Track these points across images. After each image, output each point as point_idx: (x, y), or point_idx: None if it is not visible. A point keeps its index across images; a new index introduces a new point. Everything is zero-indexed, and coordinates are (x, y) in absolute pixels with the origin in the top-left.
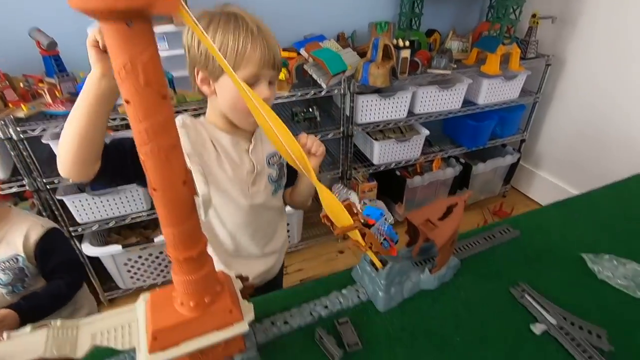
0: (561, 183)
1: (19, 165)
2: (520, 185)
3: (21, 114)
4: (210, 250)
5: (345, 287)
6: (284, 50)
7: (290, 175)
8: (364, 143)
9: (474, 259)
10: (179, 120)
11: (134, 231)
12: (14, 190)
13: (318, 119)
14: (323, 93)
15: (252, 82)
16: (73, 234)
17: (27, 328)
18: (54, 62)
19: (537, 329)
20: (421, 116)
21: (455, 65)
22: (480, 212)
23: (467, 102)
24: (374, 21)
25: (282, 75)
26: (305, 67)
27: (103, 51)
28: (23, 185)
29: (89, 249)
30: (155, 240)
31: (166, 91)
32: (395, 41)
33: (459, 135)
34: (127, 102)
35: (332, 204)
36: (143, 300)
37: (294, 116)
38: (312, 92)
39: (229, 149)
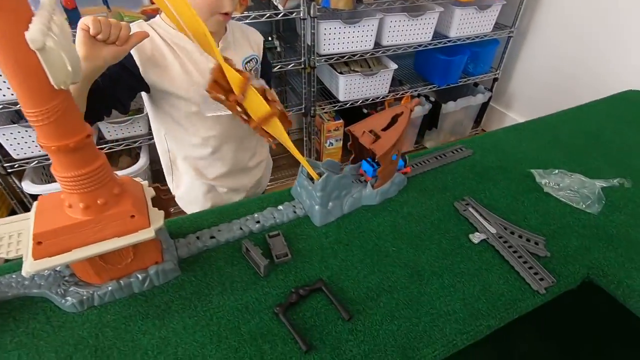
0: None
1: None
2: (491, 127)
3: None
4: (195, 174)
5: (283, 203)
6: None
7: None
8: (329, 78)
9: (422, 176)
10: (133, 27)
11: None
12: None
13: (278, 49)
14: (280, 16)
15: None
16: (9, 170)
17: None
18: None
19: (475, 237)
20: (389, 48)
21: None
22: None
23: (438, 35)
24: None
25: None
26: None
27: (92, 37)
28: None
29: (30, 187)
30: None
31: None
32: None
33: (430, 72)
34: None
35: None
36: (35, 205)
37: None
38: (268, 14)
39: (195, 53)
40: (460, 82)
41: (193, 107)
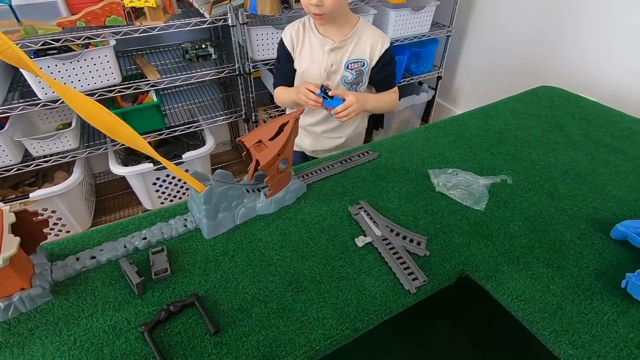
0: None
1: None
2: None
3: None
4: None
5: (174, 217)
6: None
7: (380, 82)
8: (269, 81)
9: (323, 183)
10: (293, 26)
11: (16, 189)
12: None
13: (214, 56)
14: (206, 24)
15: None
16: None
17: None
18: None
19: (360, 241)
20: None
21: None
22: None
23: None
24: None
25: (153, 1)
26: None
27: None
28: None
29: None
30: (31, 195)
31: None
32: None
33: None
34: None
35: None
36: None
37: (185, 53)
38: (194, 21)
39: (316, 47)
40: (403, 82)
41: None
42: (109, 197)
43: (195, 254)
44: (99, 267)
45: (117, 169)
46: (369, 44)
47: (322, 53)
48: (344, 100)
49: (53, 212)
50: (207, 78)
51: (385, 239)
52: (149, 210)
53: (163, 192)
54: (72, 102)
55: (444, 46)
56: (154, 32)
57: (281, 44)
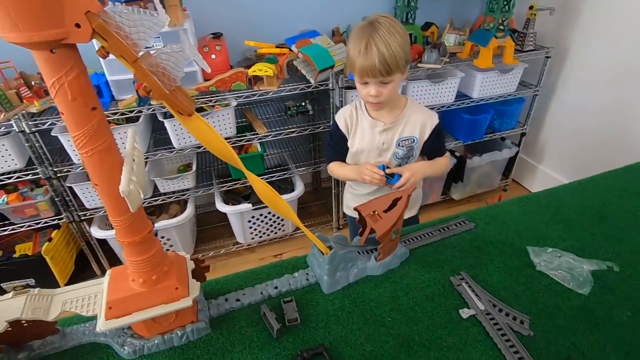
0: (562, 177)
1: (32, 155)
2: (523, 179)
3: (34, 109)
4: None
5: (298, 270)
6: (278, 46)
7: (431, 152)
8: None
9: (424, 249)
10: (346, 110)
11: None
12: (29, 177)
13: (311, 112)
14: (310, 89)
15: (362, 84)
16: (82, 217)
17: (10, 294)
18: None
19: (465, 313)
20: None
21: (448, 59)
22: (479, 205)
23: (462, 96)
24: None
25: (271, 71)
26: (294, 63)
27: None
28: (37, 174)
29: (97, 232)
30: (156, 225)
31: (95, 103)
32: None
33: (455, 129)
34: (62, 114)
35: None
36: (108, 274)
37: (287, 110)
38: (301, 87)
39: (367, 128)
40: (485, 137)
41: None
42: (207, 227)
43: (318, 306)
44: (242, 309)
45: (222, 207)
46: (419, 123)
47: (374, 134)
48: (401, 175)
49: (168, 239)
50: (305, 132)
51: (489, 314)
52: (240, 243)
53: (255, 229)
54: (253, 182)
55: (530, 104)
56: (268, 96)
57: (335, 127)
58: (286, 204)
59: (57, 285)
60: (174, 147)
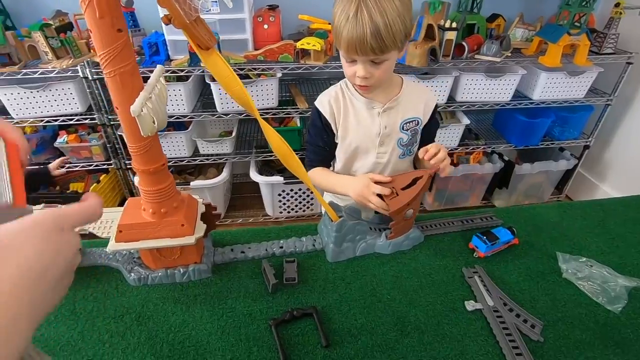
0: None
1: (92, 102)
2: (578, 196)
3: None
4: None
5: (306, 235)
6: (330, 23)
7: (427, 140)
8: None
9: (440, 237)
10: (330, 93)
11: (180, 175)
12: (87, 122)
13: None
14: None
15: (349, 61)
16: (128, 166)
17: (40, 205)
18: (129, 17)
19: (470, 305)
20: (463, 104)
21: (510, 54)
22: None
23: (520, 96)
24: (429, 0)
25: (319, 46)
26: None
27: None
28: (94, 119)
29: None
30: (191, 184)
31: (122, 25)
32: (443, 22)
33: (508, 131)
34: (90, 31)
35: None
36: (126, 203)
37: None
38: None
39: (362, 111)
40: (541, 145)
41: None
42: (240, 196)
43: (318, 271)
44: (245, 261)
45: (255, 176)
46: (423, 101)
47: (372, 117)
48: None
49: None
50: None
51: (497, 311)
52: (269, 215)
53: (284, 204)
54: (267, 132)
55: (600, 115)
56: (313, 70)
57: (317, 114)
58: (299, 161)
59: None
60: (217, 111)
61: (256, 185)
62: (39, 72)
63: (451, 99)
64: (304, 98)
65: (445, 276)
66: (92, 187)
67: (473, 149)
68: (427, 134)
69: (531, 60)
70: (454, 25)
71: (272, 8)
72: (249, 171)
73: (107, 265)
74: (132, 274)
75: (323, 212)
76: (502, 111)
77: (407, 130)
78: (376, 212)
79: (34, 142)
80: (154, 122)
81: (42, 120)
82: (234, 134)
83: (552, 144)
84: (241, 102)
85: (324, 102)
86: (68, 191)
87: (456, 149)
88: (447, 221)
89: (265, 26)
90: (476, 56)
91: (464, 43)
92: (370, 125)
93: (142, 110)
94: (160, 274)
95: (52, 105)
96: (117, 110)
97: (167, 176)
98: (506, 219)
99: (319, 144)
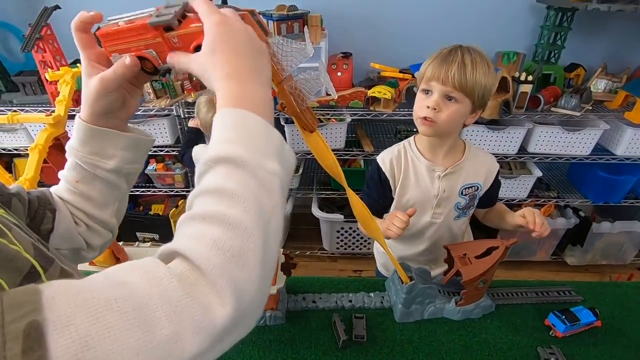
0: None
1: (180, 135)
2: None
3: (190, 99)
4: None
5: (374, 291)
6: (401, 71)
7: (487, 201)
8: None
9: (513, 309)
10: (392, 152)
11: None
12: (174, 153)
13: None
14: None
15: (424, 93)
16: None
17: (147, 243)
18: None
19: None
20: (535, 155)
21: (590, 107)
22: (599, 278)
23: (601, 150)
24: (504, 50)
25: (390, 94)
26: (415, 90)
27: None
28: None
29: None
30: None
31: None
32: (517, 74)
33: (586, 186)
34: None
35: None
36: None
37: (397, 133)
38: None
39: (423, 173)
40: (624, 202)
41: None
42: (300, 227)
43: (386, 331)
44: (316, 311)
45: (317, 212)
46: (485, 168)
47: (432, 179)
48: None
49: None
50: None
51: None
52: (325, 250)
53: (342, 240)
54: (352, 198)
55: None
56: (382, 117)
57: (377, 171)
58: (377, 226)
59: None
60: None
61: (315, 218)
62: (142, 110)
63: (522, 149)
64: (369, 140)
65: (519, 354)
66: (171, 212)
67: (544, 201)
68: (488, 197)
69: (616, 114)
70: (530, 78)
71: (346, 56)
72: (311, 204)
73: None
74: None
75: (383, 262)
76: (578, 164)
77: (465, 195)
78: (445, 273)
79: None
80: None
81: None
82: (300, 170)
83: (637, 202)
84: (332, 173)
85: (386, 159)
86: (151, 213)
87: (525, 200)
88: (520, 291)
89: (339, 73)
90: (553, 109)
91: (539, 95)
92: (430, 187)
93: None
94: None
95: None
96: None
97: None
98: (587, 296)
99: (374, 196)
